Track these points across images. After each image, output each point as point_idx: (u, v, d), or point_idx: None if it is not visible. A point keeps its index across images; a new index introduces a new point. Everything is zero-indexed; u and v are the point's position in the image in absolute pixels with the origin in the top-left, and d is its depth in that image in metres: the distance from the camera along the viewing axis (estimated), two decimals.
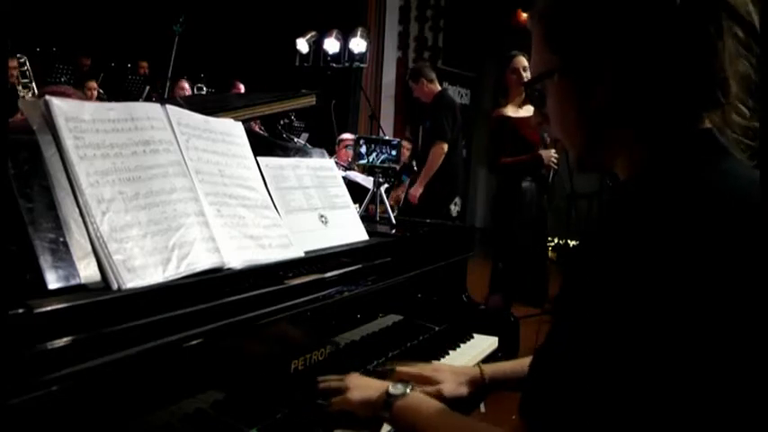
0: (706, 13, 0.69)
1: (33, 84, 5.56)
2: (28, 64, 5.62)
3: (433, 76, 4.51)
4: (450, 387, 1.14)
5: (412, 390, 1.00)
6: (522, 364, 1.18)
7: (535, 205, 3.80)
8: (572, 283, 0.69)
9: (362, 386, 1.04)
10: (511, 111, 3.80)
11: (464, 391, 1.16)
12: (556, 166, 3.77)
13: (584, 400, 0.65)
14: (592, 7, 0.74)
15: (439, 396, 1.12)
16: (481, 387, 1.17)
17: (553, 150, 3.72)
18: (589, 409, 0.64)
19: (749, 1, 0.70)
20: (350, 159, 5.33)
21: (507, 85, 3.81)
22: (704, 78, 0.70)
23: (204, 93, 7.16)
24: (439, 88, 4.50)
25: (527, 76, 3.72)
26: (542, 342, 0.71)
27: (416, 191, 4.29)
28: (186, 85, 6.50)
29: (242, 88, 6.57)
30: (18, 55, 5.54)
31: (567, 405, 0.66)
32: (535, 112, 0.88)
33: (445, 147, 4.17)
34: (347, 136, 5.76)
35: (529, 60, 3.84)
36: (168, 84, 5.98)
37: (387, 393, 0.99)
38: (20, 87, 5.52)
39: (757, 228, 0.64)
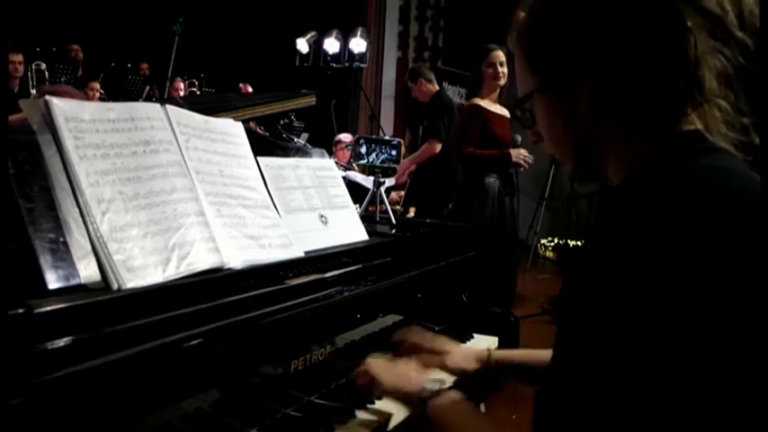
0: (672, 16, 0.69)
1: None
2: (46, 72, 5.78)
3: (432, 76, 4.52)
4: (456, 359, 1.22)
5: (447, 387, 1.03)
6: (530, 354, 1.21)
7: (497, 204, 3.66)
8: (573, 290, 0.69)
9: (402, 375, 1.08)
10: (484, 104, 3.71)
11: (471, 365, 1.22)
12: (525, 165, 3.65)
13: (598, 409, 0.64)
14: (565, 24, 0.76)
15: (442, 367, 1.19)
16: (486, 366, 1.21)
17: (524, 150, 3.63)
18: (604, 418, 0.64)
19: None
20: (349, 160, 5.34)
21: (482, 78, 3.69)
22: (678, 79, 0.70)
23: (197, 93, 7.19)
24: (437, 88, 4.50)
25: (503, 71, 3.65)
26: (552, 354, 0.71)
27: (399, 178, 4.30)
28: (181, 85, 6.52)
29: (250, 90, 6.58)
30: (36, 63, 5.71)
31: (582, 415, 0.65)
32: (530, 132, 0.90)
33: (437, 147, 4.18)
34: (344, 137, 5.76)
35: (506, 55, 3.74)
36: (168, 84, 6.01)
37: (423, 388, 1.02)
38: (33, 91, 5.60)
39: (752, 219, 0.64)
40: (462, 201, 3.82)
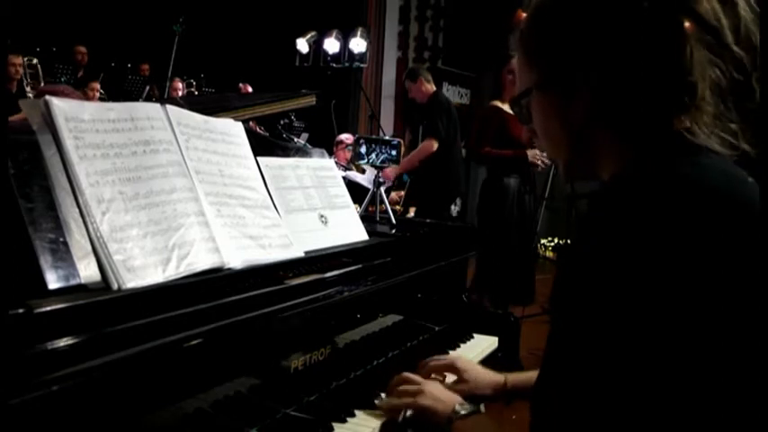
0: (670, 23, 0.70)
1: (42, 84, 5.67)
2: (39, 67, 5.78)
3: (430, 76, 4.53)
4: (471, 386, 1.22)
5: (476, 412, 1.06)
6: None
7: (517, 204, 3.77)
8: (561, 283, 0.71)
9: (434, 396, 1.10)
10: (503, 106, 3.80)
11: (486, 391, 1.23)
12: (543, 165, 3.75)
13: (587, 401, 0.66)
14: (565, 24, 0.77)
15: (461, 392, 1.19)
16: (502, 392, 1.22)
17: (538, 151, 3.70)
18: (593, 410, 0.65)
19: (718, 10, 0.71)
20: (349, 160, 5.35)
21: (503, 83, 3.81)
22: (671, 84, 0.72)
23: (195, 93, 7.19)
24: (434, 89, 4.52)
25: None
26: (545, 347, 0.72)
27: (392, 172, 4.27)
28: (180, 85, 6.52)
29: (250, 90, 6.57)
30: (28, 57, 5.72)
31: (571, 407, 0.67)
32: (525, 128, 0.91)
33: (435, 145, 4.18)
34: (345, 137, 5.76)
35: None
36: (168, 84, 6.00)
37: (453, 410, 1.05)
38: (28, 88, 5.60)
39: (732, 216, 0.66)
40: (482, 203, 3.90)
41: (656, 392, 0.62)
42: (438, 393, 1.11)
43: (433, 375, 1.26)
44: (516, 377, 1.24)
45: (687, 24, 0.70)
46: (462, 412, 1.04)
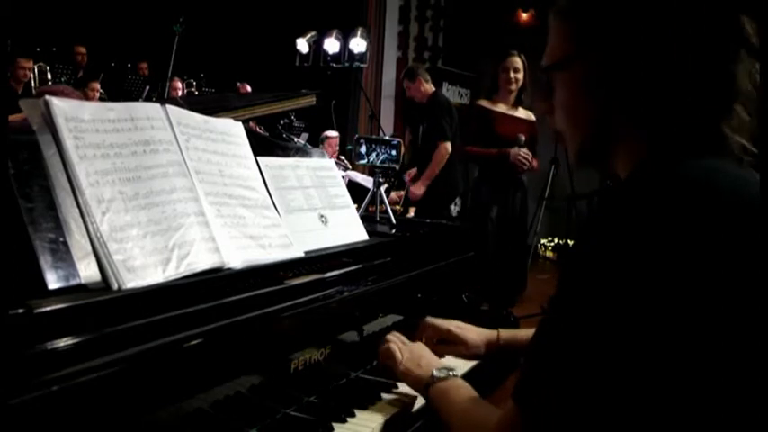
0: (727, 36, 0.69)
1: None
2: (49, 72, 5.82)
3: (428, 76, 4.52)
4: (469, 347, 1.29)
5: (453, 376, 1.08)
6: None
7: (500, 202, 3.76)
8: (561, 282, 0.71)
9: (415, 360, 1.14)
10: (493, 105, 3.78)
11: (481, 350, 1.28)
12: (524, 166, 3.67)
13: (573, 389, 0.67)
14: (616, 2, 0.74)
15: (459, 355, 1.28)
16: (495, 348, 1.28)
17: (524, 150, 3.64)
18: (578, 398, 0.66)
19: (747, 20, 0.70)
20: (339, 156, 5.39)
21: (498, 83, 3.79)
22: (720, 92, 0.71)
23: (195, 93, 7.19)
24: (434, 89, 4.51)
25: (516, 77, 3.70)
26: (536, 331, 0.73)
27: (419, 189, 4.23)
28: (179, 85, 6.52)
29: (248, 89, 6.58)
30: (40, 63, 5.77)
31: (558, 393, 0.68)
32: (540, 101, 0.88)
33: (449, 146, 4.17)
34: (330, 134, 5.80)
35: (522, 62, 3.90)
36: (168, 84, 6.01)
37: (431, 375, 1.08)
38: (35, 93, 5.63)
39: (736, 219, 0.65)
40: (473, 199, 3.91)
41: (652, 394, 0.62)
42: (418, 359, 1.14)
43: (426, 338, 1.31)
44: (509, 333, 1.29)
45: (746, 29, 0.69)
46: (441, 376, 1.06)
